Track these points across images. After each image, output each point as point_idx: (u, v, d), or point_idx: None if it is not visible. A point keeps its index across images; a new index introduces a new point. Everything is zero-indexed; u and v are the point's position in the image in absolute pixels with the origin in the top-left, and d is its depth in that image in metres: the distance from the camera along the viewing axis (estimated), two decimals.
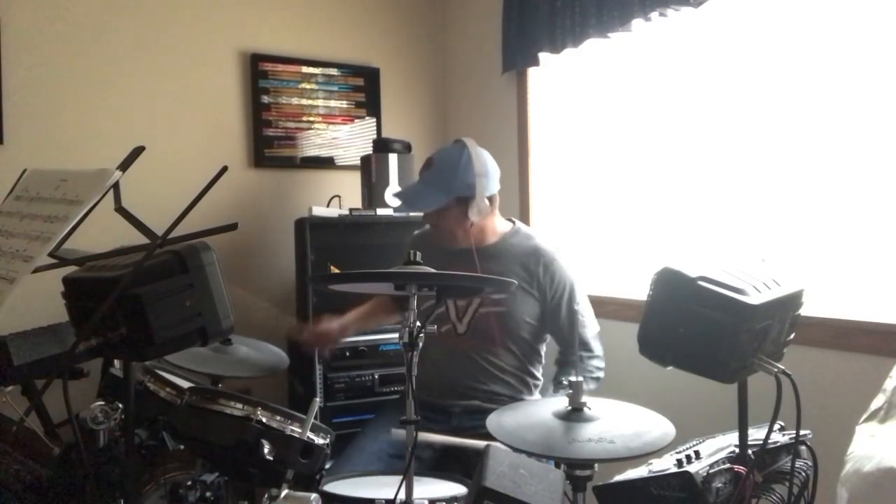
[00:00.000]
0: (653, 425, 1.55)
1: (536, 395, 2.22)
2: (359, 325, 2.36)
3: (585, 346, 2.15)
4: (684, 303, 1.31)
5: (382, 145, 3.01)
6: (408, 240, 2.43)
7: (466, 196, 2.09)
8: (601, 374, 2.15)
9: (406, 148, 3.02)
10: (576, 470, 1.51)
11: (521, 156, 3.13)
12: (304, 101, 3.21)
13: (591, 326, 2.20)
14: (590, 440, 1.47)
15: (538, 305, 2.14)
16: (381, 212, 2.88)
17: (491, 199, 2.16)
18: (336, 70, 3.28)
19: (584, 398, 1.58)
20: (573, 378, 1.58)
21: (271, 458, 1.48)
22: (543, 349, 2.24)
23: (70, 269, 1.42)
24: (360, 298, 2.39)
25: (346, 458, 2.03)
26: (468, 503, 1.37)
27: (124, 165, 1.25)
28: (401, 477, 1.41)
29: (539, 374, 2.23)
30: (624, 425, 1.53)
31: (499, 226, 2.22)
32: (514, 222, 2.26)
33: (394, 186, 2.93)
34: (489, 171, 2.14)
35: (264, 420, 1.52)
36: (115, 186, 1.24)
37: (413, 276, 1.48)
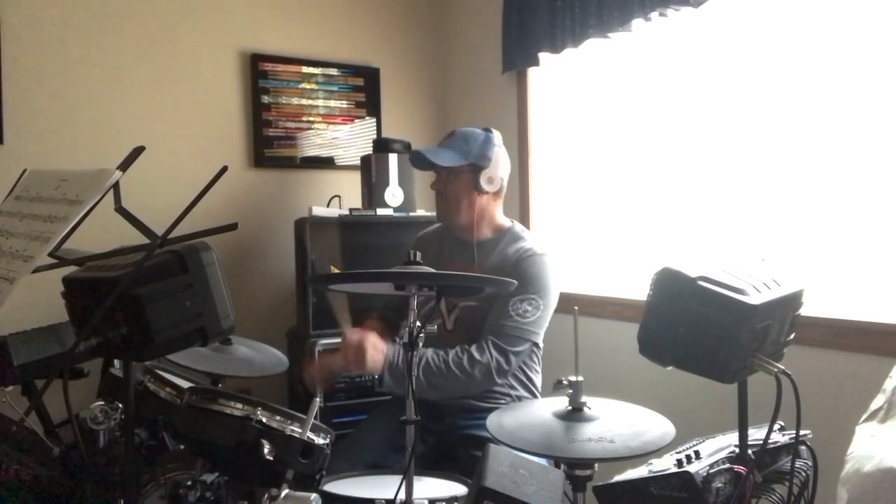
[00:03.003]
0: (653, 425, 1.55)
1: (535, 396, 2.20)
2: None
3: (504, 338, 2.01)
4: (684, 303, 1.31)
5: (382, 145, 3.01)
6: (412, 240, 2.42)
7: (481, 165, 2.14)
8: (496, 373, 1.98)
9: (406, 148, 3.01)
10: (576, 470, 1.51)
11: (521, 156, 3.13)
12: (304, 101, 3.21)
13: (526, 330, 2.03)
14: (590, 440, 1.47)
15: None
16: (381, 212, 2.88)
17: (499, 190, 2.21)
18: (336, 70, 3.28)
19: (584, 398, 1.59)
20: (573, 378, 1.58)
21: (271, 458, 1.47)
22: (538, 352, 2.23)
23: (70, 269, 1.42)
24: (360, 299, 2.38)
25: (339, 457, 2.02)
26: (468, 503, 1.37)
27: (124, 165, 1.25)
28: (401, 477, 1.41)
29: (532, 374, 2.20)
30: (624, 425, 1.53)
31: (498, 221, 2.23)
32: (512, 223, 2.27)
33: (394, 186, 2.93)
34: (506, 158, 2.23)
35: (264, 420, 1.52)
36: (115, 186, 1.24)
37: (413, 276, 1.48)
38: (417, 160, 2.21)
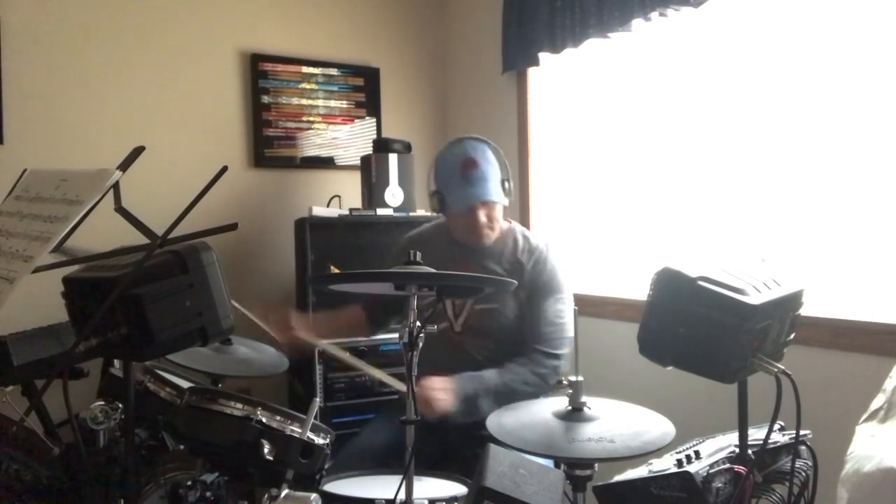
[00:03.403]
0: (653, 425, 1.55)
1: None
2: (328, 324, 2.29)
3: (550, 344, 2.08)
4: (684, 303, 1.31)
5: (382, 145, 3.01)
6: (400, 241, 2.36)
7: (504, 180, 2.17)
8: (552, 379, 2.05)
9: (406, 148, 3.02)
10: (576, 470, 1.51)
11: (521, 156, 3.13)
12: (304, 101, 3.21)
13: (566, 328, 2.11)
14: (590, 440, 1.47)
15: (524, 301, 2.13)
16: (381, 212, 2.88)
17: None
18: (336, 70, 3.28)
19: (584, 398, 1.59)
20: (573, 378, 1.58)
21: (271, 458, 1.47)
22: None
23: (70, 269, 1.42)
24: (359, 298, 2.38)
25: (343, 458, 2.03)
26: (468, 503, 1.37)
27: (124, 165, 1.25)
28: (401, 477, 1.41)
29: None
30: (624, 425, 1.53)
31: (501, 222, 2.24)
32: (510, 222, 2.27)
33: (394, 186, 2.93)
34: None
35: (264, 420, 1.52)
36: (115, 186, 1.24)
37: (413, 276, 1.48)
38: (476, 207, 2.12)
